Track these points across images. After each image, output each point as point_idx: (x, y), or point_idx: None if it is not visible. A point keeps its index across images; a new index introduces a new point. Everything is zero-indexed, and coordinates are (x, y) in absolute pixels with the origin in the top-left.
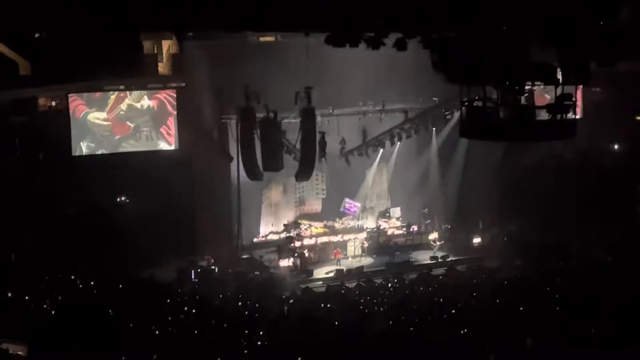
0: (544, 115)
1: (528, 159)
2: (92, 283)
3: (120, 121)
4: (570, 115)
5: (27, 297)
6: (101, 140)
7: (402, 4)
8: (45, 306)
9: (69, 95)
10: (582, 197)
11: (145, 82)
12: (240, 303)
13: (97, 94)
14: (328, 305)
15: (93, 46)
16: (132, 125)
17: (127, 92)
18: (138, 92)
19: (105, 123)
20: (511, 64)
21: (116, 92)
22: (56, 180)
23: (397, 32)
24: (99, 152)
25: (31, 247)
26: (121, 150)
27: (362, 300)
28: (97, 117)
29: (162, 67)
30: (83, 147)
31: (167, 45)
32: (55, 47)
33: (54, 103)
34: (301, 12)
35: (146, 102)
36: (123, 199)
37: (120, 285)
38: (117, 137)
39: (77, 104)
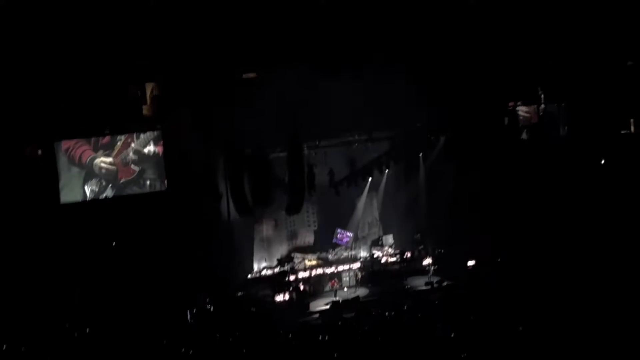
0: None
1: (517, 178)
2: (87, 330)
3: (125, 165)
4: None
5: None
6: (105, 185)
7: (382, 33)
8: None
9: (76, 140)
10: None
11: (130, 125)
12: (237, 340)
13: (105, 139)
14: (326, 338)
15: (76, 92)
16: (136, 169)
17: (134, 137)
18: (144, 137)
19: (111, 167)
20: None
21: (124, 137)
22: (45, 229)
23: (378, 61)
24: (103, 196)
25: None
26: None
27: (360, 331)
28: (103, 161)
29: (147, 110)
30: (87, 192)
31: (151, 87)
32: (38, 95)
33: (39, 152)
34: (281, 48)
35: (152, 147)
36: (114, 243)
37: (117, 330)
38: (121, 181)
39: (84, 149)
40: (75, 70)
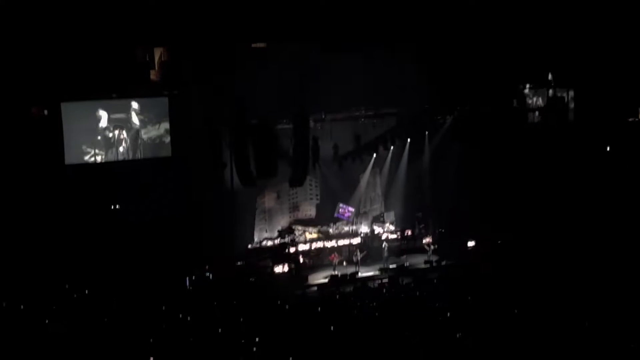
0: None
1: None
2: (86, 292)
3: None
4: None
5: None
6: (116, 147)
7: (391, 11)
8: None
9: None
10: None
11: (137, 89)
12: (235, 309)
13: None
14: (323, 311)
15: (85, 53)
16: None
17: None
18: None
19: (116, 131)
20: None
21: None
22: (49, 189)
23: (388, 40)
24: (110, 158)
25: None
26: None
27: (357, 305)
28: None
29: (154, 75)
30: (91, 154)
31: (159, 53)
32: (46, 56)
33: (45, 112)
34: (292, 21)
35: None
36: (117, 207)
37: (116, 293)
38: (122, 148)
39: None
40: (84, 33)
